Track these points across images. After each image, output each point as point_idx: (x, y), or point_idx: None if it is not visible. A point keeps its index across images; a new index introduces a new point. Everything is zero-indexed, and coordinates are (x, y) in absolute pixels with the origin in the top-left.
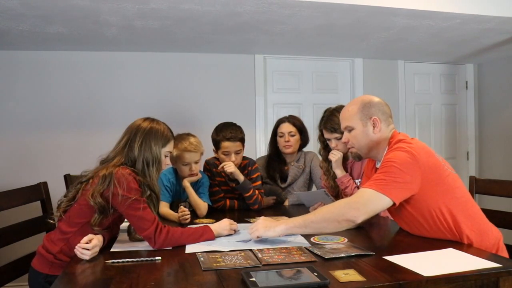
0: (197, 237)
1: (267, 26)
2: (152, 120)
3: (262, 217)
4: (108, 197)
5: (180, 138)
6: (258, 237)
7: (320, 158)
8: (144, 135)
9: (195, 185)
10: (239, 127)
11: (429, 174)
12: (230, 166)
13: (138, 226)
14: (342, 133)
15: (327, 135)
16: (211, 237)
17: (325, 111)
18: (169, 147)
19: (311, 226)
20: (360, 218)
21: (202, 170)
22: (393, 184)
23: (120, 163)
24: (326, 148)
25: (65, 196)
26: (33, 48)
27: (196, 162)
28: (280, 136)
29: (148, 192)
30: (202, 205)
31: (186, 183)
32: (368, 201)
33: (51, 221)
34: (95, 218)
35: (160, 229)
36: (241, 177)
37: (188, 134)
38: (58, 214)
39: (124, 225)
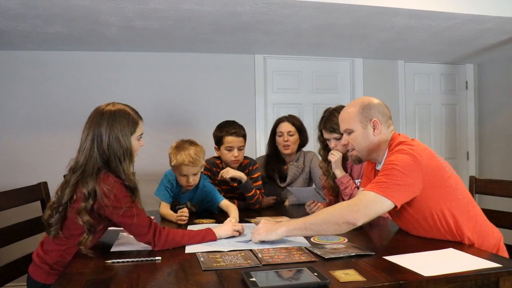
0: (199, 239)
1: (267, 26)
2: (113, 104)
3: (263, 220)
4: (99, 211)
5: (181, 148)
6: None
7: (320, 158)
8: (109, 128)
9: (202, 193)
10: (241, 125)
11: (431, 176)
12: (228, 172)
13: (136, 233)
14: (341, 133)
15: (326, 135)
16: (213, 240)
17: (325, 111)
18: (140, 130)
19: (311, 228)
20: (360, 220)
21: (202, 170)
22: (395, 187)
23: (97, 169)
24: (325, 148)
25: (49, 224)
26: (33, 48)
27: (194, 174)
28: (279, 136)
29: (132, 190)
30: (233, 210)
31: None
32: (369, 204)
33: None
34: (84, 238)
35: (159, 231)
36: (244, 177)
37: (191, 144)
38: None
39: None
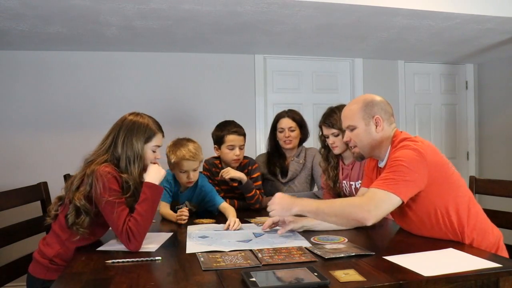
0: (151, 204)
1: (267, 26)
2: (137, 114)
3: (279, 194)
4: (91, 197)
5: (179, 144)
6: (273, 223)
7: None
8: (126, 132)
9: (200, 193)
10: (241, 125)
11: (435, 172)
12: (228, 173)
13: (113, 228)
14: (339, 129)
15: (325, 131)
16: (158, 190)
17: (327, 109)
18: (156, 141)
19: (322, 217)
20: (370, 221)
21: (201, 170)
22: (403, 183)
23: (104, 161)
24: (326, 147)
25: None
26: (33, 48)
27: (194, 170)
28: (280, 132)
29: (132, 188)
30: (230, 211)
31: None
32: (380, 204)
33: (48, 218)
34: (81, 219)
35: (130, 234)
36: (244, 178)
37: (188, 140)
38: (51, 218)
39: None
